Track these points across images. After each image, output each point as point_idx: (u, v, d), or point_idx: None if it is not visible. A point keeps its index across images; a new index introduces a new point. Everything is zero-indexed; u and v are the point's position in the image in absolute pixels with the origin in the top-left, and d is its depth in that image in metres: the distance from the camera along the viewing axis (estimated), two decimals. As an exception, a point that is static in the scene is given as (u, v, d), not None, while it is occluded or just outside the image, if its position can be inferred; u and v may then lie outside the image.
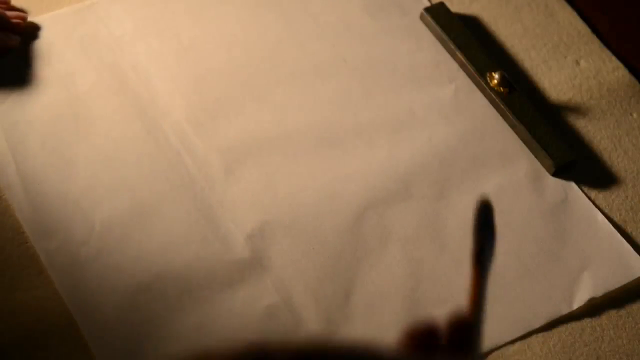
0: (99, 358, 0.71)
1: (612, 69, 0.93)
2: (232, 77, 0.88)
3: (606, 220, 0.82)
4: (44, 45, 0.88)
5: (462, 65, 0.91)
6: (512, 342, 0.75)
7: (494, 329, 0.75)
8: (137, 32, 0.90)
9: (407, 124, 0.86)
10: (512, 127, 0.87)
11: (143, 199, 0.79)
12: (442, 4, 0.94)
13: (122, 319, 0.73)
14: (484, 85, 0.89)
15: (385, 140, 0.85)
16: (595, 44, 0.95)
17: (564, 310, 0.77)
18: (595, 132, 0.89)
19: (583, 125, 0.89)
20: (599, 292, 0.78)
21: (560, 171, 0.85)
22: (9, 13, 0.87)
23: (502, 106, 0.88)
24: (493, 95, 0.88)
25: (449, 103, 0.88)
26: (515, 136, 0.87)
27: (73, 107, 0.84)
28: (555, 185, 0.84)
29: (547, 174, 0.85)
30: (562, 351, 0.75)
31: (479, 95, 0.89)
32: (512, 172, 0.84)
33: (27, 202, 0.78)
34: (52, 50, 0.88)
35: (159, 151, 0.82)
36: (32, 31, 0.89)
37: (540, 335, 0.76)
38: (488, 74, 0.89)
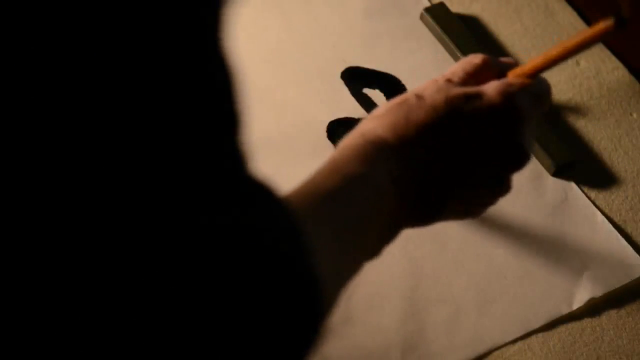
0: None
1: (612, 69, 0.93)
2: (232, 77, 0.88)
3: (606, 220, 0.82)
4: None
5: (462, 66, 0.91)
6: (512, 342, 0.75)
7: (494, 329, 0.75)
8: (137, 33, 0.90)
9: (407, 124, 0.86)
10: (512, 127, 0.87)
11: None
12: (442, 4, 0.94)
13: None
14: (484, 85, 0.89)
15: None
16: (595, 44, 0.95)
17: (564, 310, 0.77)
18: (595, 132, 0.89)
19: (583, 125, 0.89)
20: (599, 292, 0.78)
21: (560, 171, 0.85)
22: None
23: (502, 106, 0.87)
24: (493, 96, 0.88)
25: (449, 103, 0.88)
26: (515, 136, 0.87)
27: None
28: (555, 186, 0.84)
29: (547, 174, 0.85)
30: (562, 351, 0.75)
31: (479, 95, 0.89)
32: (512, 172, 0.84)
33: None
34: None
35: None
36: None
37: (540, 335, 0.76)
38: (488, 74, 0.89)
